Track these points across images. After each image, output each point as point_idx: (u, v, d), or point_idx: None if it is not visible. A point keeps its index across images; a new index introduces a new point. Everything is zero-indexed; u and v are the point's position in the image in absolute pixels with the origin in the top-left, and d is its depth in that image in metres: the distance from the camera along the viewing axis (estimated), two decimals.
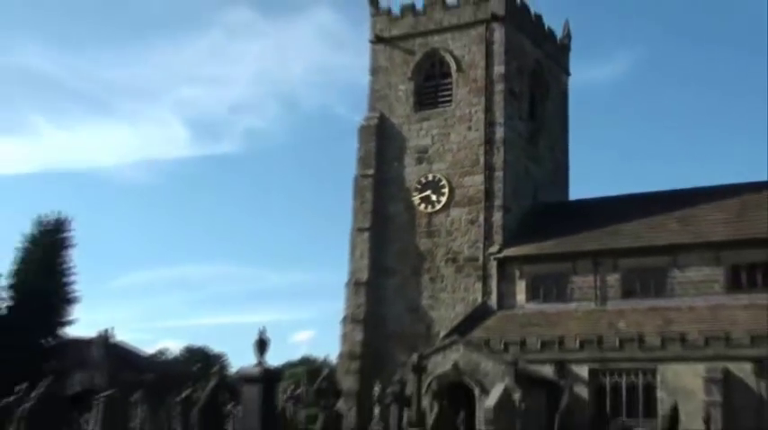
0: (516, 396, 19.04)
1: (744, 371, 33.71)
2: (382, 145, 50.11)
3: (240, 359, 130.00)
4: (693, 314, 38.65)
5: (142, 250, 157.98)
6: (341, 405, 38.65)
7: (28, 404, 14.43)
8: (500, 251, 45.14)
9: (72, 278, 63.65)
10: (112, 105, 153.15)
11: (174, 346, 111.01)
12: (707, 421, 30.94)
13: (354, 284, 48.28)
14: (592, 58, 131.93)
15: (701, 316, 38.27)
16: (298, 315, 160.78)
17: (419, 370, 22.20)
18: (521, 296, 44.20)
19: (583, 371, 36.59)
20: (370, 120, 50.84)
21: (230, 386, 28.77)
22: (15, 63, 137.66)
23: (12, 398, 18.65)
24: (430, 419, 17.70)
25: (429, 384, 33.08)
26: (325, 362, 73.55)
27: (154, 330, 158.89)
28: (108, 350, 78.27)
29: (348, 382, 45.92)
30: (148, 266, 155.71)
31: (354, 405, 43.57)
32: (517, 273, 44.66)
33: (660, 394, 34.86)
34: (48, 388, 14.63)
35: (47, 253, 61.97)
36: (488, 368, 35.54)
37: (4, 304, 62.16)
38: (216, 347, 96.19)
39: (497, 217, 46.02)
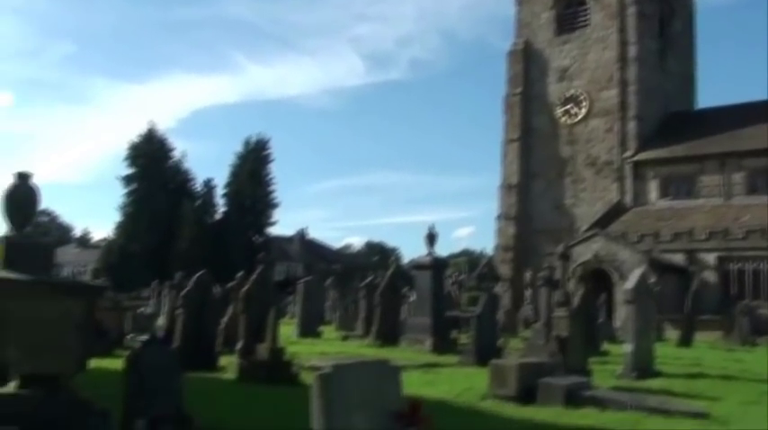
0: (651, 280, 18.37)
1: None
2: (528, 67, 49.09)
3: (410, 252, 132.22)
4: None
5: (328, 163, 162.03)
6: (497, 288, 38.67)
7: (246, 287, 14.96)
8: (634, 155, 43.82)
9: (273, 187, 66.21)
10: (299, 43, 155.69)
11: (357, 242, 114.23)
12: None
13: (506, 187, 48.34)
14: None
15: None
16: (459, 214, 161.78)
17: (565, 258, 21.72)
18: (653, 194, 42.96)
19: (710, 259, 35.34)
20: (517, 46, 49.83)
21: (404, 274, 29.20)
22: (220, 13, 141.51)
23: (234, 283, 19.54)
24: (575, 300, 17.29)
25: (574, 270, 32.70)
26: (482, 254, 73.54)
27: (340, 228, 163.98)
28: (304, 245, 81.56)
29: (503, 270, 46.30)
30: (333, 176, 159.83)
31: (509, 289, 43.78)
32: (650, 174, 43.31)
33: None
34: (259, 275, 15.10)
35: (252, 167, 64.36)
36: (625, 256, 34.71)
37: (222, 210, 65.39)
38: (391, 242, 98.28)
39: (631, 125, 44.53)
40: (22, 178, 6.15)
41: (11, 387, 6.06)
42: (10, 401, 5.87)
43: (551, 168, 47.15)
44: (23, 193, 6.16)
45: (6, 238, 6.06)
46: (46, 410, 5.87)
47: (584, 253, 35.51)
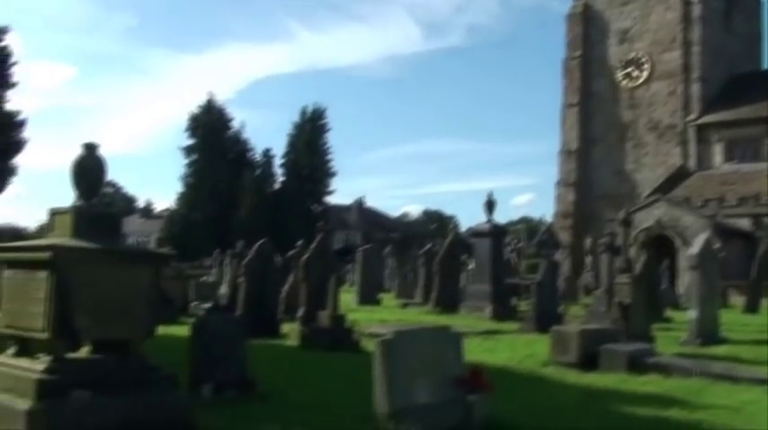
0: (716, 246, 17.89)
1: None
2: (587, 29, 48.20)
3: (468, 221, 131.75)
4: None
5: (385, 131, 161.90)
6: (557, 255, 38.34)
7: (306, 255, 15.12)
8: (698, 118, 42.79)
9: (330, 156, 66.43)
10: (355, 10, 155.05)
11: (415, 210, 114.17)
12: None
13: (565, 153, 47.76)
14: None
15: None
16: (517, 181, 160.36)
17: (626, 224, 21.39)
18: (717, 158, 42.00)
19: None
20: (576, 8, 48.92)
21: (463, 241, 29.12)
22: None
23: (294, 251, 19.75)
24: (637, 266, 17.06)
25: (635, 237, 32.22)
26: (541, 221, 72.82)
27: (398, 197, 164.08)
28: (362, 214, 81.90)
29: (562, 237, 45.90)
30: (391, 144, 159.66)
31: (568, 256, 43.37)
32: (714, 138, 42.31)
33: None
34: (319, 243, 15.23)
35: (310, 137, 64.65)
36: (689, 222, 34.06)
37: (280, 179, 65.95)
38: (448, 211, 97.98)
39: (695, 88, 43.45)
40: (90, 149, 6.26)
41: (83, 352, 6.25)
42: (83, 366, 6.05)
43: (612, 133, 46.38)
44: (91, 164, 6.28)
45: (75, 208, 6.20)
46: (117, 375, 6.04)
47: (646, 219, 34.95)
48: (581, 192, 46.59)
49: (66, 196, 6.91)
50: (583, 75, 47.72)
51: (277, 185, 65.82)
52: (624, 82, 46.37)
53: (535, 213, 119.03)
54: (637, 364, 9.88)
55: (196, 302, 19.73)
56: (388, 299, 26.76)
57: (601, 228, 37.36)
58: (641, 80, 45.73)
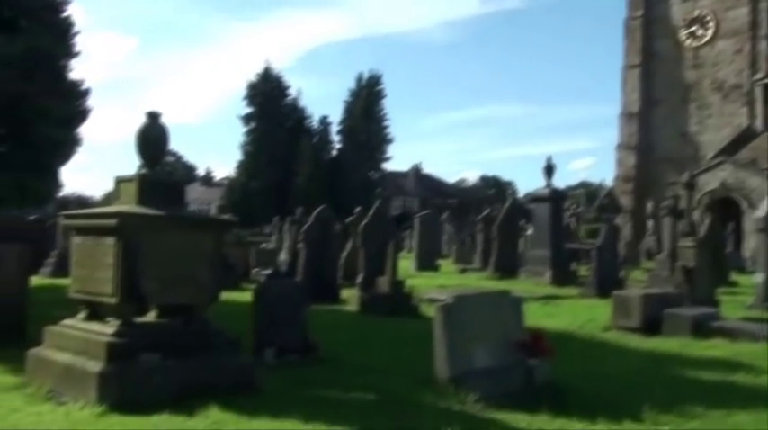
0: None
1: None
2: None
3: (525, 186, 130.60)
4: None
5: (442, 97, 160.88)
6: (618, 220, 37.81)
7: (364, 221, 15.20)
8: (765, 77, 41.31)
9: (387, 123, 66.34)
10: None
11: (472, 176, 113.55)
12: None
13: (626, 115, 46.76)
14: None
15: None
16: (576, 145, 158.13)
17: (690, 187, 20.95)
18: None
19: None
20: None
21: (521, 207, 28.86)
22: None
23: (352, 218, 19.86)
24: (702, 229, 16.72)
25: (699, 199, 31.56)
26: (601, 185, 71.69)
27: (455, 163, 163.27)
28: (419, 180, 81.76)
29: (623, 201, 45.17)
30: (448, 110, 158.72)
31: (629, 220, 42.71)
32: None
33: None
34: (377, 209, 15.29)
35: (366, 103, 64.62)
36: (755, 184, 33.21)
37: (337, 146, 66.17)
38: (506, 176, 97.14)
39: (763, 46, 41.89)
40: (153, 118, 6.38)
41: (150, 316, 6.42)
42: (150, 330, 6.22)
43: (674, 94, 45.19)
44: (155, 132, 6.40)
45: (140, 176, 6.34)
46: (182, 339, 6.20)
47: (710, 181, 34.20)
48: (642, 156, 45.65)
49: (129, 166, 7.05)
50: (644, 35, 46.43)
51: (334, 152, 66.09)
52: (688, 41, 45.04)
53: (594, 178, 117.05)
54: (701, 329, 9.75)
55: (257, 269, 20.02)
56: (446, 264, 26.76)
57: (662, 191, 36.65)
58: (706, 39, 44.33)
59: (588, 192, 72.13)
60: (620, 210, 42.97)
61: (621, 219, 41.39)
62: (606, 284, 14.79)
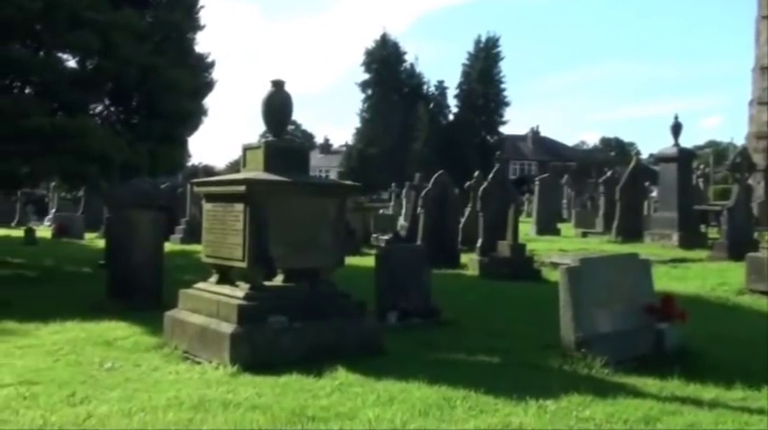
0: None
1: None
2: None
3: (648, 148, 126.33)
4: None
5: (559, 58, 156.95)
6: (751, 180, 36.09)
7: (484, 186, 15.09)
8: None
9: (504, 86, 65.38)
10: None
11: (591, 138, 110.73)
12: None
13: (760, 69, 44.16)
14: None
15: None
16: (703, 103, 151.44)
17: None
18: None
19: None
20: None
21: (645, 168, 27.95)
22: None
23: (471, 182, 19.75)
24: None
25: None
26: (731, 144, 68.50)
27: (574, 125, 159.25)
28: (537, 143, 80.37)
29: (756, 160, 42.78)
30: (565, 71, 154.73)
31: (762, 179, 40.61)
32: None
33: None
34: (496, 173, 15.14)
35: (483, 67, 63.84)
36: None
37: (454, 111, 65.80)
38: (626, 137, 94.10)
39: None
40: (277, 86, 6.49)
41: (278, 280, 6.60)
42: (278, 293, 6.40)
43: None
44: (279, 100, 6.52)
45: (267, 143, 6.49)
46: (309, 301, 6.34)
47: None
48: None
49: (252, 136, 7.21)
50: None
51: (451, 117, 65.74)
52: None
53: (723, 137, 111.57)
54: None
55: (377, 234, 20.24)
56: (567, 229, 26.29)
57: None
58: None
59: (716, 151, 69.03)
60: (754, 168, 40.87)
61: (754, 178, 39.45)
62: (739, 246, 14.15)
